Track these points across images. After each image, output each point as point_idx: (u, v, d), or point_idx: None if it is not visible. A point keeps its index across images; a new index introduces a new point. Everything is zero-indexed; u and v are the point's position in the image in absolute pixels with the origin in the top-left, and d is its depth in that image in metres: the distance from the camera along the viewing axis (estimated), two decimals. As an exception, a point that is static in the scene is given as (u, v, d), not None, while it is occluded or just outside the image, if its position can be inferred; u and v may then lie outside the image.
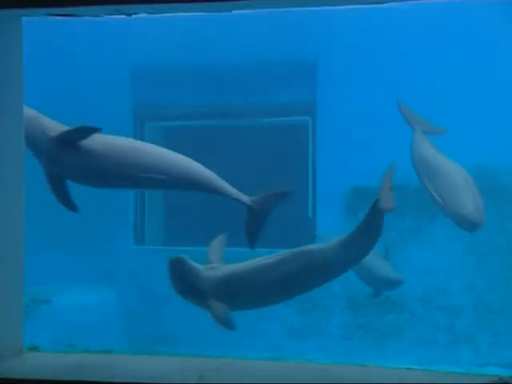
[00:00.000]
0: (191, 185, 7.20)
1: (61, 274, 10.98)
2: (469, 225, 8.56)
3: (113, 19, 4.42)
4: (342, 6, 8.04)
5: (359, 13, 10.01)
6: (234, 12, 4.00)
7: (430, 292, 10.58)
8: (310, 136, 11.35)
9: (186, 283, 7.63)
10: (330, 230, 10.90)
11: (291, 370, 4.11)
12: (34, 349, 4.75)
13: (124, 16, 4.14)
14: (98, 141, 6.99)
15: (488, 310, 10.50)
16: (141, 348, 10.40)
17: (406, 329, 10.46)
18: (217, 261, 7.98)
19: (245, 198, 7.32)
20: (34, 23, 4.48)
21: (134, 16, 4.19)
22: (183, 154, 7.28)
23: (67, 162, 6.99)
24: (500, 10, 9.88)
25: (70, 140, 6.87)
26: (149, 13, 4.41)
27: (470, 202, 8.57)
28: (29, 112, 6.52)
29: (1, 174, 4.21)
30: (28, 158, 4.46)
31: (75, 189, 7.46)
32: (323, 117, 11.12)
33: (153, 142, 12.09)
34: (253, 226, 7.39)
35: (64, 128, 7.01)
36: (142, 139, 11.99)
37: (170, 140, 12.33)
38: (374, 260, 9.47)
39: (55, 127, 7.01)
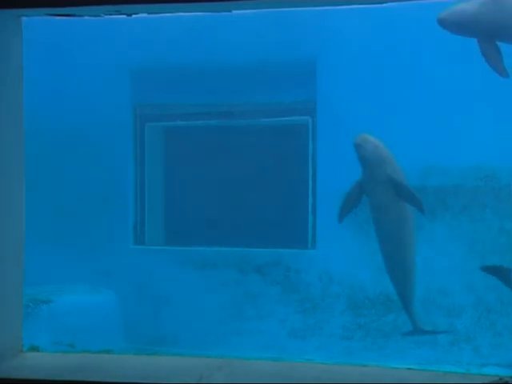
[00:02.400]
0: None
1: (60, 274, 10.98)
2: None
3: (113, 19, 4.42)
4: (341, 5, 8.02)
5: (359, 13, 10.01)
6: (234, 12, 3.99)
7: (430, 292, 10.57)
8: (310, 136, 11.35)
9: None
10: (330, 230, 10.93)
11: (291, 370, 4.10)
12: (34, 349, 4.75)
13: (124, 16, 4.14)
14: None
15: (488, 310, 10.49)
16: (141, 348, 10.40)
17: (406, 329, 10.44)
18: None
19: None
20: (34, 23, 4.48)
21: (133, 16, 4.18)
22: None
23: None
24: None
25: None
26: (149, 13, 4.41)
27: None
28: None
29: (1, 174, 4.21)
30: (28, 157, 4.45)
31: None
32: (323, 117, 11.12)
33: (153, 142, 12.18)
34: None
35: None
36: (142, 139, 12.00)
37: (170, 140, 12.33)
38: None
39: None
